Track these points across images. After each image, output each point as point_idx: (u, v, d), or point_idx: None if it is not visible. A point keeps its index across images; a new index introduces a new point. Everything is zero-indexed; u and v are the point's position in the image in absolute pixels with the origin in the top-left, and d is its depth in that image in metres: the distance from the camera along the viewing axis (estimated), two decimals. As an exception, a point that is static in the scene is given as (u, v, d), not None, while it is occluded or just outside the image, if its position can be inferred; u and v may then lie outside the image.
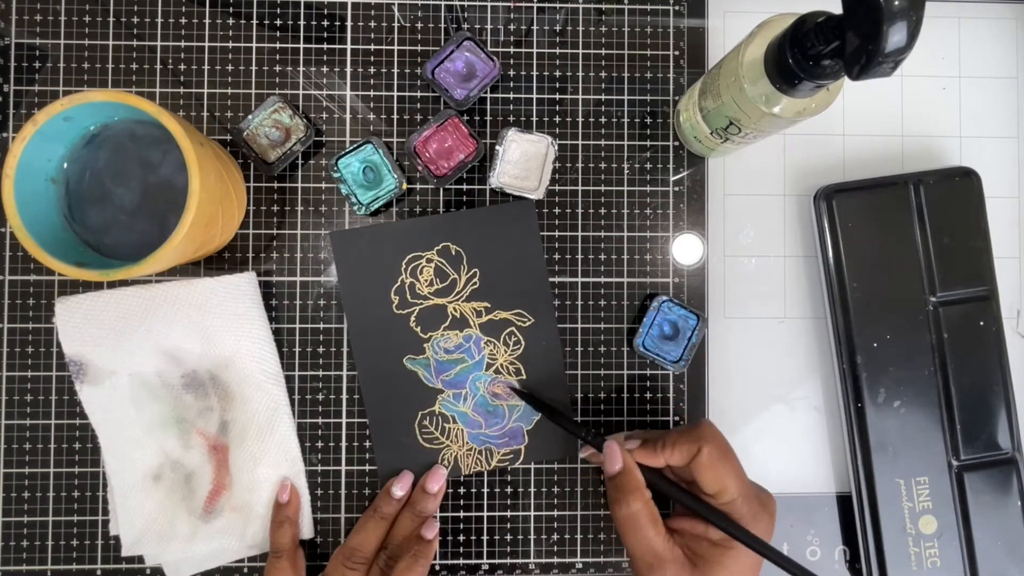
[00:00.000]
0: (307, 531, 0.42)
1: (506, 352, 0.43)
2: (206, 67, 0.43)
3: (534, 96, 0.44)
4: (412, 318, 0.42)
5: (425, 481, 0.41)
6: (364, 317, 0.42)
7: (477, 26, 0.44)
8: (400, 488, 0.41)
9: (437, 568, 0.43)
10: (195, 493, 0.41)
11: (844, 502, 0.44)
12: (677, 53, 0.44)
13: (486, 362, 0.43)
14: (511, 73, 0.44)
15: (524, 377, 0.43)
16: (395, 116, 0.43)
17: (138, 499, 0.41)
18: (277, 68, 0.43)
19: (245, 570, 0.42)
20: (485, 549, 0.43)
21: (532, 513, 0.43)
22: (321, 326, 0.43)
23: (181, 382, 0.41)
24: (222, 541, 0.41)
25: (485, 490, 0.43)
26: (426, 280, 0.42)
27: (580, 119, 0.44)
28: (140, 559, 0.42)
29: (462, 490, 0.43)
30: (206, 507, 0.41)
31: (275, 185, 0.43)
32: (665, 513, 0.41)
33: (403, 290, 0.42)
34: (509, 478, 0.43)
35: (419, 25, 0.44)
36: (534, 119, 0.44)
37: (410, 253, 0.42)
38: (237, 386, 0.41)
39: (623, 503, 0.35)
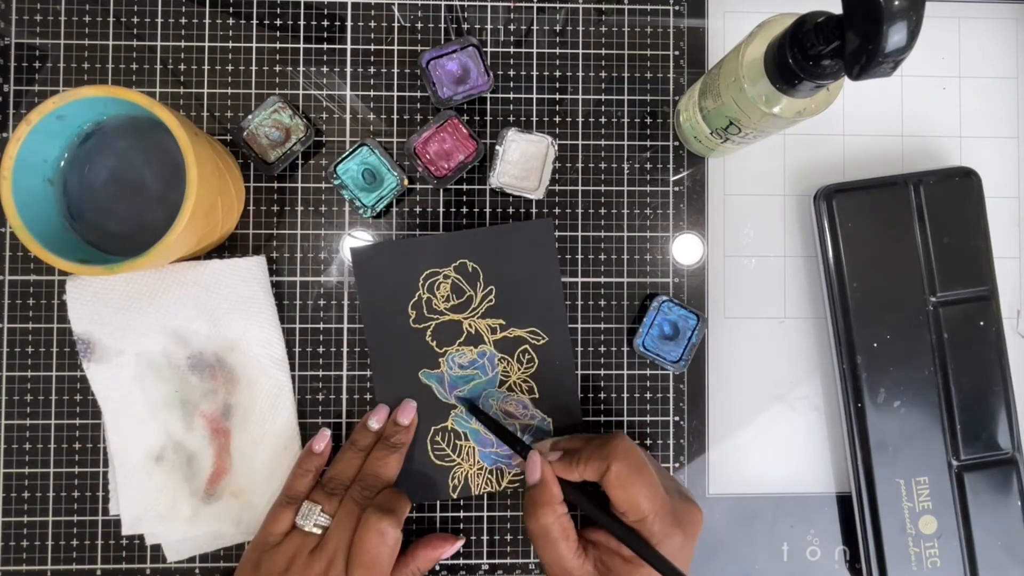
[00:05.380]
0: None
1: (519, 370, 0.43)
2: (206, 67, 0.43)
3: (534, 96, 0.44)
4: (428, 333, 0.42)
5: (396, 414, 0.41)
6: (381, 330, 0.42)
7: (477, 26, 0.44)
8: (376, 421, 0.41)
9: (437, 568, 0.43)
10: (196, 475, 0.41)
11: (844, 502, 0.44)
12: (677, 53, 0.44)
13: (499, 379, 0.43)
14: (511, 73, 0.44)
15: (536, 396, 0.43)
16: (395, 116, 0.43)
17: (140, 478, 0.41)
18: (277, 68, 0.43)
19: (245, 570, 0.42)
20: (485, 549, 0.43)
21: (532, 513, 0.43)
22: (321, 326, 0.43)
23: (187, 363, 0.41)
24: (221, 525, 0.41)
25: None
26: (443, 296, 0.42)
27: (580, 119, 0.44)
28: (140, 559, 0.42)
29: (462, 490, 0.43)
30: (207, 489, 0.41)
31: (275, 185, 0.43)
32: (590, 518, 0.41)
33: (420, 305, 0.42)
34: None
35: (419, 25, 0.44)
36: (534, 119, 0.44)
37: (428, 269, 0.42)
38: (242, 370, 0.41)
39: (535, 516, 0.35)
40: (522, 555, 0.43)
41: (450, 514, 0.43)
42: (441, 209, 0.44)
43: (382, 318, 0.42)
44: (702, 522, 0.37)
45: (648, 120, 0.44)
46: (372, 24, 0.43)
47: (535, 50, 0.44)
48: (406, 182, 0.42)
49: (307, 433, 0.43)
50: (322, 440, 0.41)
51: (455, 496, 0.42)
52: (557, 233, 0.44)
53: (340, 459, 0.40)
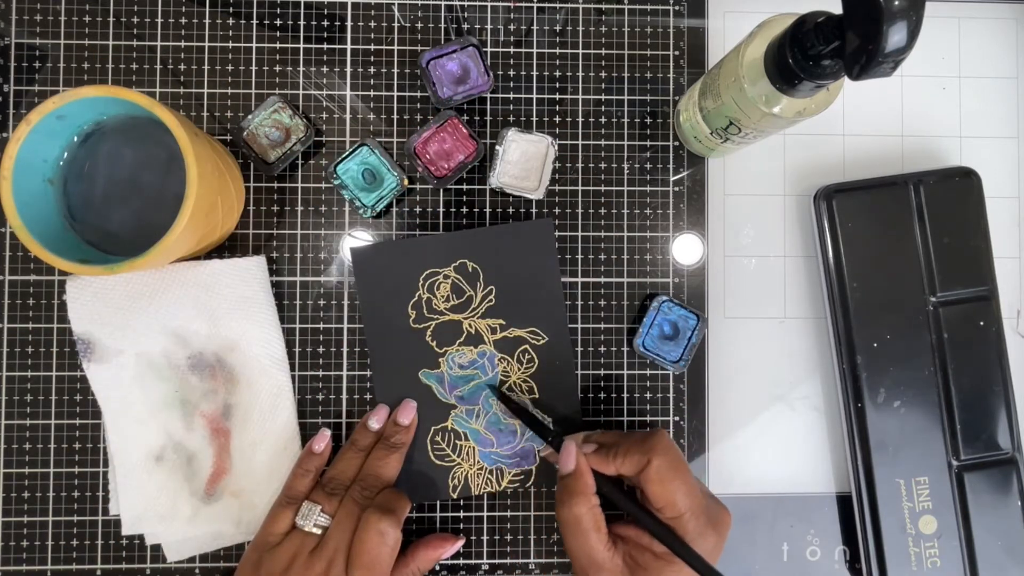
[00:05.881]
0: None
1: (519, 369, 0.43)
2: (206, 67, 0.43)
3: (534, 96, 0.44)
4: (428, 333, 0.42)
5: (396, 414, 0.41)
6: (381, 330, 0.42)
7: (477, 26, 0.44)
8: (376, 421, 0.41)
9: (437, 568, 0.43)
10: (196, 475, 0.41)
11: (844, 502, 0.44)
12: (677, 53, 0.44)
13: (499, 379, 0.43)
14: (511, 73, 0.44)
15: (536, 396, 0.43)
16: (395, 116, 0.43)
17: (140, 478, 0.41)
18: (277, 68, 0.43)
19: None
20: (485, 549, 0.43)
21: (532, 513, 0.43)
22: (321, 326, 0.43)
23: (187, 363, 0.41)
24: (221, 525, 0.41)
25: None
26: (443, 296, 0.42)
27: (580, 119, 0.44)
28: (140, 559, 0.42)
29: (462, 490, 0.43)
30: (207, 489, 0.41)
31: (275, 185, 0.43)
32: (618, 514, 0.41)
33: (420, 305, 0.42)
34: (509, 478, 0.43)
35: (419, 25, 0.44)
36: (534, 119, 0.44)
37: (428, 269, 0.42)
38: (242, 370, 0.41)
39: (568, 505, 0.34)
40: (522, 555, 0.43)
41: (450, 514, 0.43)
42: (441, 209, 0.44)
43: (382, 318, 0.42)
44: (731, 525, 0.37)
45: (648, 120, 0.44)
46: (372, 24, 0.43)
47: (535, 50, 0.44)
48: (406, 182, 0.42)
49: (307, 433, 0.43)
50: (322, 440, 0.41)
51: (455, 496, 0.42)
52: (557, 233, 0.44)
53: (340, 459, 0.40)
